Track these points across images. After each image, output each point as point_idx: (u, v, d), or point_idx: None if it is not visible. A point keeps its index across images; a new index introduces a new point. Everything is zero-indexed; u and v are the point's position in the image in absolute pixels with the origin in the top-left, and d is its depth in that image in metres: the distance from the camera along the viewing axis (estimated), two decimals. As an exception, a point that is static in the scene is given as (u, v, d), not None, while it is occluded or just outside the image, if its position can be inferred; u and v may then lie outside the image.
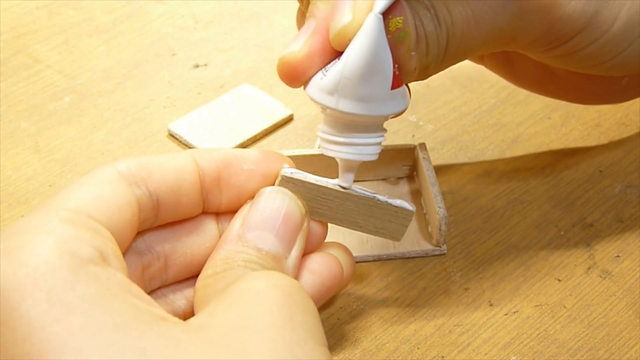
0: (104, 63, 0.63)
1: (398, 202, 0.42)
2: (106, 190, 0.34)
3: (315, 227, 0.41)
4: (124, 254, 0.35)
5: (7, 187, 0.54)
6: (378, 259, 0.49)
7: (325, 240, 0.42)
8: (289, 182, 0.39)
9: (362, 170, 0.52)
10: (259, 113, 0.58)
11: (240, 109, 0.59)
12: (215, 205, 0.39)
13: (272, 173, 0.39)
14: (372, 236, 0.50)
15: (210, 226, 0.39)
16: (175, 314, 0.38)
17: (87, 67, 0.63)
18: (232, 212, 0.39)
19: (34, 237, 0.31)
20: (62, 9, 0.68)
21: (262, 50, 0.65)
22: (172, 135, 0.57)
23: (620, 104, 0.59)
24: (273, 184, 0.39)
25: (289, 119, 0.59)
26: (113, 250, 0.33)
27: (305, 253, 0.40)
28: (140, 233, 0.37)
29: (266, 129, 0.57)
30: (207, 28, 0.67)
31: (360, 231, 0.42)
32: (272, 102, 0.59)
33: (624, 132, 0.58)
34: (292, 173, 0.39)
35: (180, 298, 0.39)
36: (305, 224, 0.39)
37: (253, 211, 0.37)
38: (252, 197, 0.39)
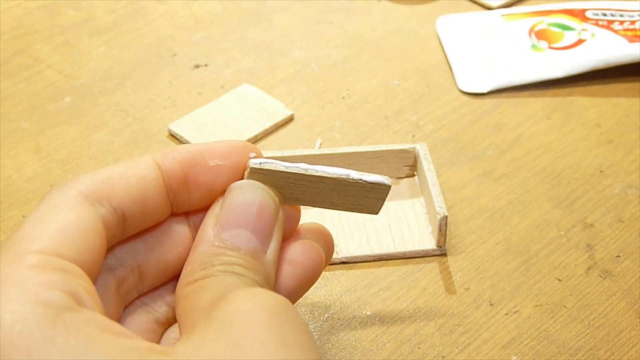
0: (105, 63, 0.63)
1: (372, 177, 0.40)
2: (69, 219, 0.32)
3: (289, 211, 0.39)
4: (96, 277, 0.33)
5: (7, 187, 0.54)
6: (378, 259, 0.49)
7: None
8: (258, 173, 0.37)
9: (362, 171, 0.52)
10: (259, 113, 0.58)
11: (241, 109, 0.59)
12: (184, 206, 0.37)
13: (240, 165, 0.37)
14: (372, 236, 0.50)
15: (180, 228, 0.37)
16: (158, 322, 0.37)
17: (88, 67, 0.63)
18: (202, 210, 0.37)
19: (3, 291, 0.29)
20: (62, 9, 0.68)
21: (262, 50, 0.65)
22: (172, 135, 0.57)
23: (620, 104, 0.60)
24: (243, 176, 0.37)
25: (289, 119, 0.59)
26: (85, 287, 0.31)
27: (282, 240, 0.38)
28: (109, 249, 0.35)
29: (266, 129, 0.57)
30: (208, 28, 0.67)
31: (337, 209, 0.40)
32: (272, 102, 0.59)
33: (624, 132, 0.58)
34: (260, 163, 0.37)
35: (160, 305, 0.37)
36: (280, 214, 0.37)
37: (225, 209, 0.36)
38: (222, 193, 0.37)
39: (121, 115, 0.59)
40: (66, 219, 0.32)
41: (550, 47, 0.63)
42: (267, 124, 0.58)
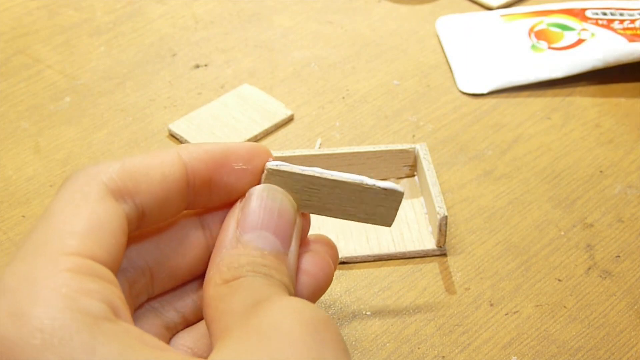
0: (105, 63, 0.63)
1: (386, 184, 0.40)
2: (99, 215, 0.31)
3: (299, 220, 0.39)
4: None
5: (7, 187, 0.54)
6: (378, 259, 0.49)
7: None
8: (275, 175, 0.38)
9: (362, 171, 0.52)
10: (259, 113, 0.58)
11: (241, 109, 0.59)
12: (200, 204, 0.37)
13: (260, 169, 0.37)
14: (372, 236, 0.50)
15: (194, 232, 0.37)
16: (167, 327, 0.37)
17: (88, 67, 0.63)
18: (216, 210, 0.37)
19: (41, 294, 0.29)
20: (62, 9, 0.68)
21: (263, 50, 0.65)
22: (172, 136, 0.57)
23: (620, 104, 0.60)
24: (260, 180, 0.38)
25: (289, 119, 0.59)
26: (119, 296, 0.31)
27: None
28: None
29: (266, 129, 0.57)
30: (208, 28, 0.67)
31: (351, 220, 0.41)
32: (272, 102, 0.59)
33: (624, 132, 0.58)
34: (277, 165, 0.38)
35: (169, 310, 0.37)
36: (298, 220, 0.37)
37: (247, 212, 0.36)
38: (241, 195, 0.37)
39: (121, 115, 0.59)
40: (96, 215, 0.32)
41: (550, 47, 0.63)
42: (267, 124, 0.58)
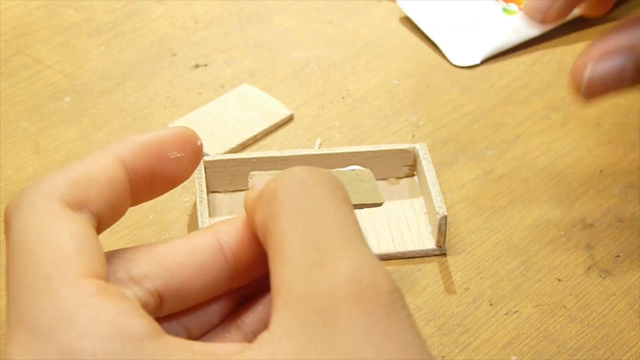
0: (105, 63, 0.63)
1: (352, 167, 0.40)
2: (78, 232, 0.30)
3: None
4: None
5: (7, 187, 0.54)
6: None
7: None
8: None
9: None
10: (259, 113, 0.58)
11: (241, 109, 0.59)
12: (143, 199, 0.36)
13: (193, 154, 0.36)
14: (371, 236, 0.50)
15: (210, 253, 0.34)
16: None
17: (88, 67, 0.63)
18: (234, 225, 0.35)
19: (83, 327, 0.28)
20: (62, 9, 0.68)
21: (262, 50, 0.65)
22: (172, 135, 0.57)
23: (620, 104, 0.59)
24: (195, 165, 0.36)
25: (289, 119, 0.59)
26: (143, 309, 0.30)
27: None
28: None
29: (266, 129, 0.57)
30: (208, 28, 0.67)
31: None
32: (272, 102, 0.59)
33: (624, 132, 0.58)
34: (260, 174, 0.36)
35: (176, 325, 0.35)
36: None
37: None
38: (180, 181, 0.35)
39: (121, 115, 0.59)
40: (75, 233, 0.30)
41: (521, 9, 0.65)
42: (267, 124, 0.58)
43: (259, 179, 0.35)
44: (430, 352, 0.30)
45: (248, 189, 0.36)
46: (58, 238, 0.30)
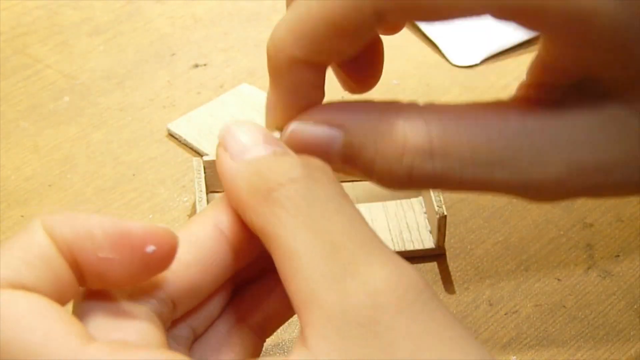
0: (104, 63, 0.63)
1: None
2: (43, 307, 0.28)
3: None
4: None
5: (6, 186, 0.54)
6: (378, 259, 0.49)
7: None
8: None
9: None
10: (259, 113, 0.58)
11: (240, 109, 0.59)
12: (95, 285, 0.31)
13: (135, 259, 0.30)
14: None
15: (215, 244, 0.32)
16: (177, 343, 0.34)
17: (87, 67, 0.63)
18: (235, 215, 0.33)
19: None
20: (61, 9, 0.68)
21: (262, 50, 0.64)
22: (171, 135, 0.57)
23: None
24: (136, 272, 0.30)
25: (288, 119, 0.59)
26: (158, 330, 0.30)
27: None
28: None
29: (266, 129, 0.57)
30: (207, 28, 0.67)
31: None
32: (271, 101, 0.59)
33: (624, 131, 0.58)
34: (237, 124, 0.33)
35: (184, 328, 0.34)
36: None
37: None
38: (117, 283, 0.30)
39: (120, 115, 0.59)
40: (40, 307, 0.28)
41: None
42: (267, 124, 0.58)
43: (232, 134, 0.32)
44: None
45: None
46: (22, 315, 0.28)
